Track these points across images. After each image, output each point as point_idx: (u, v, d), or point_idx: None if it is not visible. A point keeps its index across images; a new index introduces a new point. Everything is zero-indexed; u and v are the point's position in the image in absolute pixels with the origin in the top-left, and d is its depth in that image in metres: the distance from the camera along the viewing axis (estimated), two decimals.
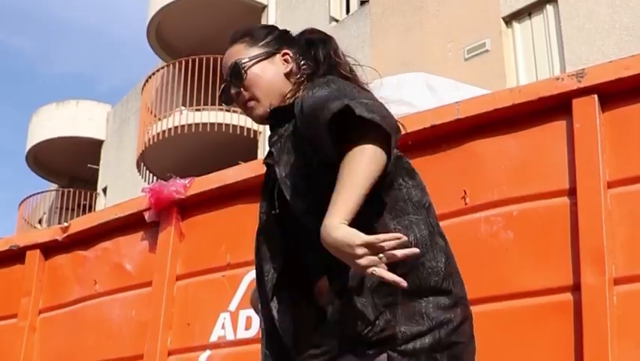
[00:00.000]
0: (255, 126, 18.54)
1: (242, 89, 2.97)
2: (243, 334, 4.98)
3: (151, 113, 20.17)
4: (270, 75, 2.96)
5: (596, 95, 4.15)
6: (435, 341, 2.69)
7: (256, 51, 3.02)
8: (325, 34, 3.24)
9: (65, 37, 74.30)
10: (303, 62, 3.02)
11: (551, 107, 4.29)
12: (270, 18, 19.50)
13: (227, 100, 3.05)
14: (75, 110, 26.55)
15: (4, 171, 78.71)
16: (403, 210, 2.81)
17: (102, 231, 5.83)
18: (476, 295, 4.24)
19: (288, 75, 2.99)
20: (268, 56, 3.01)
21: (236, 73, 2.97)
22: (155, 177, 19.93)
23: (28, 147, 27.08)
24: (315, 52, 3.07)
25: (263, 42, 3.05)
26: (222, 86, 3.04)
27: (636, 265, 3.90)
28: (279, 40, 3.08)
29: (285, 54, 3.03)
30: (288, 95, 2.95)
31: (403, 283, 2.48)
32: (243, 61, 2.99)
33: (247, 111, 3.00)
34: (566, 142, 4.21)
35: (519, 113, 4.38)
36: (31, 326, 6.01)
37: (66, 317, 5.92)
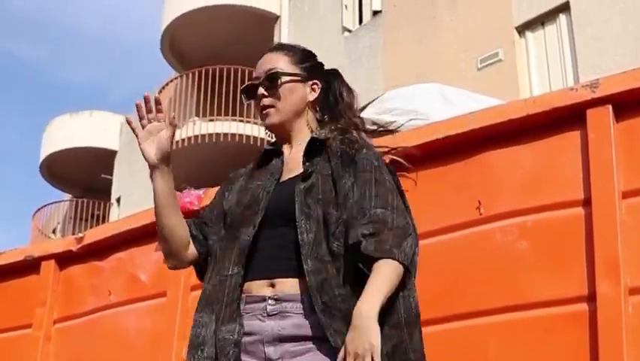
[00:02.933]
0: (267, 137, 18.56)
1: (268, 94, 3.17)
2: None
3: None
4: (297, 97, 3.19)
5: (610, 106, 4.14)
6: None
7: (295, 70, 3.24)
8: (348, 86, 3.51)
9: (79, 48, 74.72)
10: (324, 99, 3.30)
11: (565, 118, 4.29)
12: (283, 28, 19.52)
13: (248, 94, 3.25)
14: (89, 121, 26.61)
15: (18, 180, 78.97)
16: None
17: (117, 241, 5.84)
18: (491, 305, 4.25)
19: (309, 102, 3.25)
20: (303, 80, 3.24)
21: (273, 79, 3.18)
22: None
23: (42, 158, 27.14)
24: (337, 97, 3.35)
25: (302, 65, 3.28)
26: (251, 81, 3.22)
27: None
28: (314, 69, 3.33)
29: (315, 84, 3.27)
30: (311, 125, 3.23)
31: None
32: (283, 72, 3.20)
33: (262, 112, 3.19)
34: (580, 152, 4.20)
35: (533, 123, 4.37)
36: (46, 336, 6.02)
37: (81, 327, 5.93)
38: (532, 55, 14.25)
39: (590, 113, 4.18)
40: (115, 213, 25.19)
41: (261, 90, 3.19)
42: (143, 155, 3.19)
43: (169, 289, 5.40)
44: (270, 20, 19.89)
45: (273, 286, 2.97)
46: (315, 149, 3.12)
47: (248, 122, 18.87)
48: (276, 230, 3.03)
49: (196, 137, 18.83)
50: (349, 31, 18.14)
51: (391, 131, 5.63)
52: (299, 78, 3.24)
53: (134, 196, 23.83)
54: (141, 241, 5.72)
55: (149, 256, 5.64)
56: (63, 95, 79.07)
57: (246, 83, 3.26)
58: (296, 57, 3.29)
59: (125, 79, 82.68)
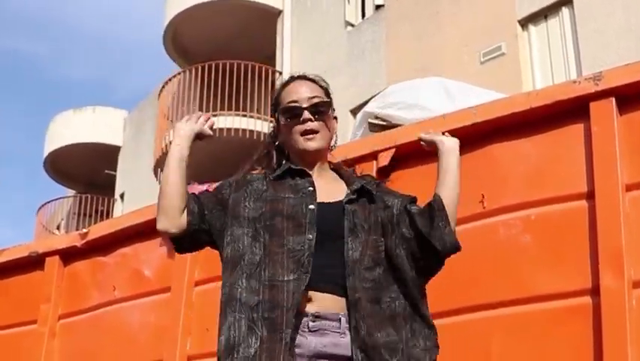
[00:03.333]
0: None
1: (315, 119, 3.33)
2: None
3: (167, 118, 20.19)
4: (332, 128, 3.42)
5: (613, 98, 4.14)
6: None
7: (332, 108, 3.46)
8: None
9: (81, 44, 74.66)
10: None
11: (569, 111, 4.29)
12: (286, 23, 19.52)
13: (297, 112, 3.34)
14: (92, 117, 26.58)
15: (22, 177, 78.97)
16: None
17: (121, 237, 5.85)
18: (494, 299, 4.25)
19: (333, 135, 3.46)
20: (333, 113, 3.46)
21: (323, 108, 3.36)
22: None
23: (45, 153, 27.12)
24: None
25: (330, 99, 3.48)
26: (295, 104, 3.35)
27: None
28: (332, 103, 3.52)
29: (335, 118, 3.49)
30: (326, 156, 3.44)
31: None
32: (329, 104, 3.42)
33: (306, 135, 3.31)
34: (583, 145, 4.21)
35: (536, 116, 4.38)
36: (50, 331, 6.04)
37: (85, 322, 5.94)
38: (535, 48, 14.23)
39: (594, 105, 4.18)
40: (119, 209, 25.19)
41: (307, 115, 3.32)
42: (184, 129, 3.55)
43: (173, 284, 5.41)
44: (272, 15, 19.87)
45: (311, 300, 3.06)
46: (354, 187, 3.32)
47: (251, 117, 18.86)
48: (323, 246, 3.11)
49: None
50: (352, 25, 18.13)
51: (395, 126, 5.65)
52: (334, 112, 3.46)
53: (137, 192, 23.84)
54: (145, 237, 5.73)
55: (154, 251, 5.65)
56: (65, 93, 79.09)
57: (288, 104, 3.37)
58: (327, 91, 3.46)
59: (128, 77, 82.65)
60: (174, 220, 3.25)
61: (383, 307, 3.13)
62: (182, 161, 3.38)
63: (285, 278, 3.05)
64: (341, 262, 3.10)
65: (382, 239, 3.23)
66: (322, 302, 3.06)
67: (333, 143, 3.48)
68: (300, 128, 3.32)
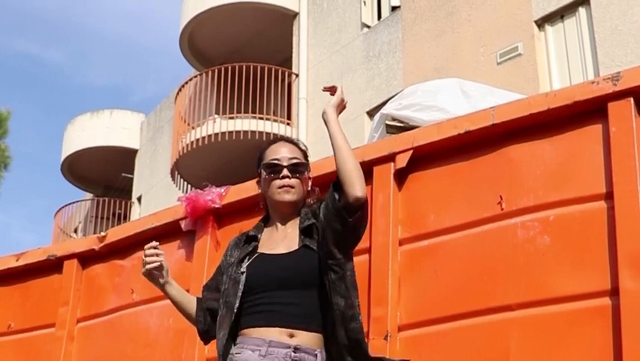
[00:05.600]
0: (288, 134, 18.54)
1: (292, 176, 3.81)
2: None
3: (184, 121, 20.21)
4: (306, 186, 3.88)
5: (632, 98, 4.13)
6: None
7: (308, 169, 3.93)
8: None
9: (98, 49, 74.72)
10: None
11: (587, 111, 4.28)
12: (302, 25, 19.51)
13: (277, 169, 3.82)
14: (109, 120, 26.63)
15: (40, 180, 79.19)
16: None
17: (139, 240, 5.85)
18: (513, 300, 4.24)
19: (307, 192, 3.91)
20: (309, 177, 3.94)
21: (301, 168, 3.84)
22: (189, 186, 19.98)
23: (63, 157, 27.17)
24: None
25: (307, 161, 3.95)
26: (277, 161, 3.84)
27: None
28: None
29: (310, 178, 3.94)
30: (299, 207, 3.88)
31: None
32: (306, 165, 3.90)
33: (283, 188, 3.80)
34: (602, 146, 4.19)
35: (554, 117, 4.36)
36: (69, 335, 6.04)
37: (104, 326, 5.94)
38: (551, 48, 14.19)
39: (612, 106, 4.17)
40: (136, 212, 25.23)
41: (286, 172, 3.80)
42: (152, 282, 4.08)
43: (191, 286, 5.40)
44: (288, 17, 19.86)
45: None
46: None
47: (268, 119, 18.86)
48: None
49: (216, 135, 18.81)
50: (368, 27, 18.10)
51: (412, 127, 5.64)
52: (310, 173, 3.92)
53: (155, 195, 23.88)
54: (163, 240, 5.71)
55: (171, 254, 5.65)
56: (82, 96, 79.23)
57: (271, 161, 3.86)
58: (304, 154, 3.93)
59: (145, 80, 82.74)
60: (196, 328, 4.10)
61: None
62: (177, 299, 4.12)
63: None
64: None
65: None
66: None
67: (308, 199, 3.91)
68: (278, 182, 3.81)
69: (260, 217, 4.02)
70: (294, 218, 3.84)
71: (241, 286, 3.70)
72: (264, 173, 3.86)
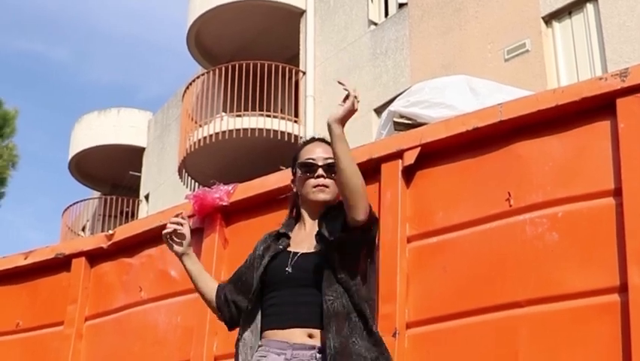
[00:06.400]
0: (295, 131, 18.53)
1: (326, 176, 3.86)
2: None
3: (192, 119, 20.21)
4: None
5: None
6: None
7: None
8: None
9: (102, 47, 74.71)
10: None
11: (595, 108, 4.27)
12: (309, 23, 19.50)
13: (313, 168, 3.89)
14: (117, 118, 26.65)
15: (47, 179, 79.28)
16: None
17: (147, 238, 5.86)
18: (521, 297, 4.23)
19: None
20: None
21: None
22: (196, 183, 19.99)
23: (70, 155, 27.21)
24: None
25: None
26: (312, 160, 3.90)
27: None
28: None
29: None
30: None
31: None
32: None
33: (318, 187, 3.86)
34: (610, 142, 4.18)
35: (562, 114, 4.36)
36: (77, 333, 6.05)
37: (112, 323, 5.95)
38: (559, 45, 14.17)
39: (620, 102, 4.16)
40: (144, 210, 25.25)
41: (321, 171, 3.86)
42: (170, 249, 4.15)
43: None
44: (295, 14, 19.86)
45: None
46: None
47: (275, 117, 18.84)
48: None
49: (224, 132, 18.81)
50: (375, 24, 18.09)
51: (420, 124, 5.63)
52: None
53: (162, 193, 23.90)
54: None
55: None
56: (89, 95, 79.18)
57: (306, 160, 3.92)
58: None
59: (152, 78, 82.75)
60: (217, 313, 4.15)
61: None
62: (196, 274, 4.18)
63: None
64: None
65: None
66: None
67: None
68: (313, 181, 3.87)
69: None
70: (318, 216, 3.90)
71: (255, 285, 3.82)
72: (299, 172, 3.92)
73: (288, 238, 3.92)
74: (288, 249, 3.85)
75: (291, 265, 3.75)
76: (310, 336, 3.63)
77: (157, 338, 5.62)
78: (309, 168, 3.88)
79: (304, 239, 3.85)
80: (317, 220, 3.86)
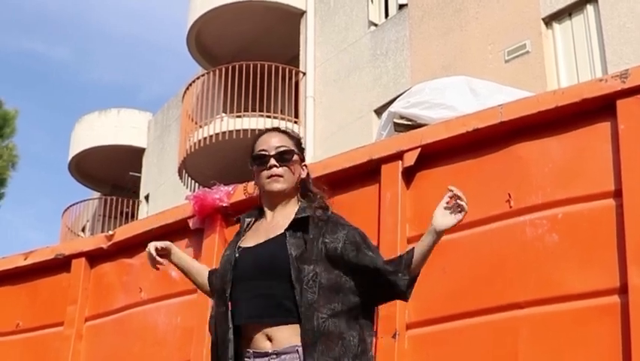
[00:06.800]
0: (295, 131, 18.53)
1: (279, 165, 3.78)
2: None
3: (192, 120, 20.21)
4: (297, 173, 3.83)
5: None
6: None
7: (298, 153, 3.89)
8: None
9: (105, 47, 74.63)
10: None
11: (595, 109, 4.27)
12: (309, 24, 19.50)
13: (258, 162, 3.84)
14: (117, 119, 26.64)
15: (47, 179, 79.24)
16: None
17: (147, 238, 5.83)
18: (522, 298, 4.24)
19: (301, 179, 3.86)
20: (301, 160, 3.89)
21: (287, 156, 3.80)
22: (196, 184, 19.99)
23: (70, 156, 27.21)
24: (309, 180, 3.95)
25: (301, 149, 3.93)
26: (264, 152, 3.83)
27: None
28: (304, 152, 3.99)
29: (305, 165, 3.91)
30: (292, 196, 3.84)
31: None
32: (294, 152, 3.84)
33: (271, 178, 3.78)
34: (610, 143, 4.19)
35: (563, 115, 4.36)
36: (77, 333, 6.05)
37: (112, 324, 5.95)
38: (559, 46, 14.17)
39: (620, 103, 4.17)
40: (144, 211, 25.24)
41: (273, 162, 3.78)
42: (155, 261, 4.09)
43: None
44: (295, 15, 19.86)
45: None
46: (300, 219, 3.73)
47: (275, 117, 18.84)
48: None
49: (224, 133, 18.82)
50: (375, 25, 18.09)
51: (420, 125, 5.64)
52: (300, 159, 3.88)
53: (162, 193, 23.90)
54: (171, 238, 5.71)
55: None
56: (89, 95, 79.03)
57: (258, 152, 3.86)
58: (296, 141, 3.91)
59: (152, 79, 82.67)
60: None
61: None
62: (184, 269, 4.19)
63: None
64: None
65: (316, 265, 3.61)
66: None
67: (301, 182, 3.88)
68: (266, 173, 3.79)
69: None
70: (285, 207, 3.81)
71: (229, 277, 3.73)
72: (253, 165, 3.87)
73: (244, 232, 3.87)
74: (246, 245, 3.76)
75: (252, 258, 3.70)
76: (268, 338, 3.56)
77: (157, 339, 5.62)
78: (262, 160, 3.81)
79: (263, 231, 3.77)
80: (282, 212, 3.78)
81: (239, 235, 3.87)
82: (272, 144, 3.84)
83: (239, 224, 3.95)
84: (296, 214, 3.72)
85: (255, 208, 3.95)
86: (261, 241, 3.71)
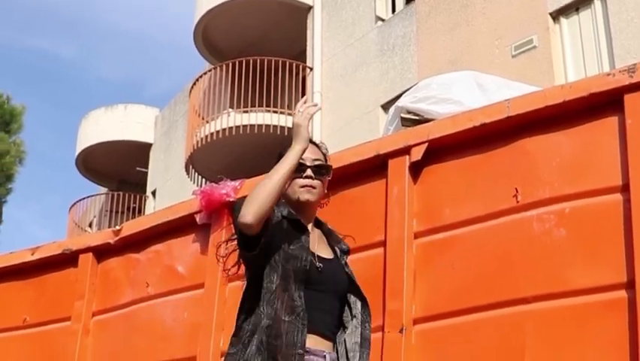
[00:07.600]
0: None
1: (315, 177, 3.81)
2: None
3: (199, 115, 20.21)
4: (324, 190, 3.89)
5: None
6: None
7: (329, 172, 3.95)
8: None
9: (112, 43, 74.63)
10: None
11: (603, 103, 4.26)
12: (316, 19, 19.47)
13: (302, 169, 3.79)
14: (124, 114, 26.65)
15: (54, 175, 79.28)
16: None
17: (154, 233, 5.86)
18: (529, 293, 4.23)
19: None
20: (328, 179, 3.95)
21: (324, 171, 3.87)
22: (203, 179, 19.99)
23: (77, 151, 27.22)
24: None
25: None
26: (303, 160, 3.79)
27: None
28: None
29: (327, 182, 3.95)
30: (315, 212, 3.92)
31: None
32: (330, 169, 3.93)
33: (306, 188, 3.79)
34: (618, 138, 4.18)
35: (570, 109, 4.35)
36: (84, 328, 6.05)
37: (119, 319, 5.96)
38: (566, 41, 14.14)
39: (628, 98, 4.15)
40: (150, 206, 25.26)
41: (310, 172, 3.81)
42: (304, 134, 3.80)
43: (206, 280, 5.42)
44: (302, 10, 19.84)
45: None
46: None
47: (282, 113, 18.85)
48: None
49: (230, 128, 18.81)
50: (382, 20, 18.07)
51: (427, 120, 5.63)
52: (329, 177, 3.94)
53: (169, 189, 23.91)
54: (178, 233, 5.74)
55: (187, 247, 5.66)
56: (96, 91, 79.09)
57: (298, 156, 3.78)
58: (326, 156, 3.96)
59: (159, 74, 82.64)
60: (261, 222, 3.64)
61: None
62: (290, 171, 3.77)
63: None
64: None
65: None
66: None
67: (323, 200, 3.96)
68: (301, 181, 3.80)
69: None
70: (311, 221, 3.88)
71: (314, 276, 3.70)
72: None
73: (308, 234, 3.78)
74: (319, 253, 3.78)
75: (339, 273, 3.82)
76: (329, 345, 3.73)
77: (164, 334, 5.62)
78: (298, 168, 3.77)
79: (318, 245, 3.83)
80: (312, 226, 3.85)
81: (298, 230, 3.76)
82: (307, 154, 3.84)
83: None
84: (332, 238, 3.93)
85: (278, 206, 3.77)
86: (327, 257, 3.81)
